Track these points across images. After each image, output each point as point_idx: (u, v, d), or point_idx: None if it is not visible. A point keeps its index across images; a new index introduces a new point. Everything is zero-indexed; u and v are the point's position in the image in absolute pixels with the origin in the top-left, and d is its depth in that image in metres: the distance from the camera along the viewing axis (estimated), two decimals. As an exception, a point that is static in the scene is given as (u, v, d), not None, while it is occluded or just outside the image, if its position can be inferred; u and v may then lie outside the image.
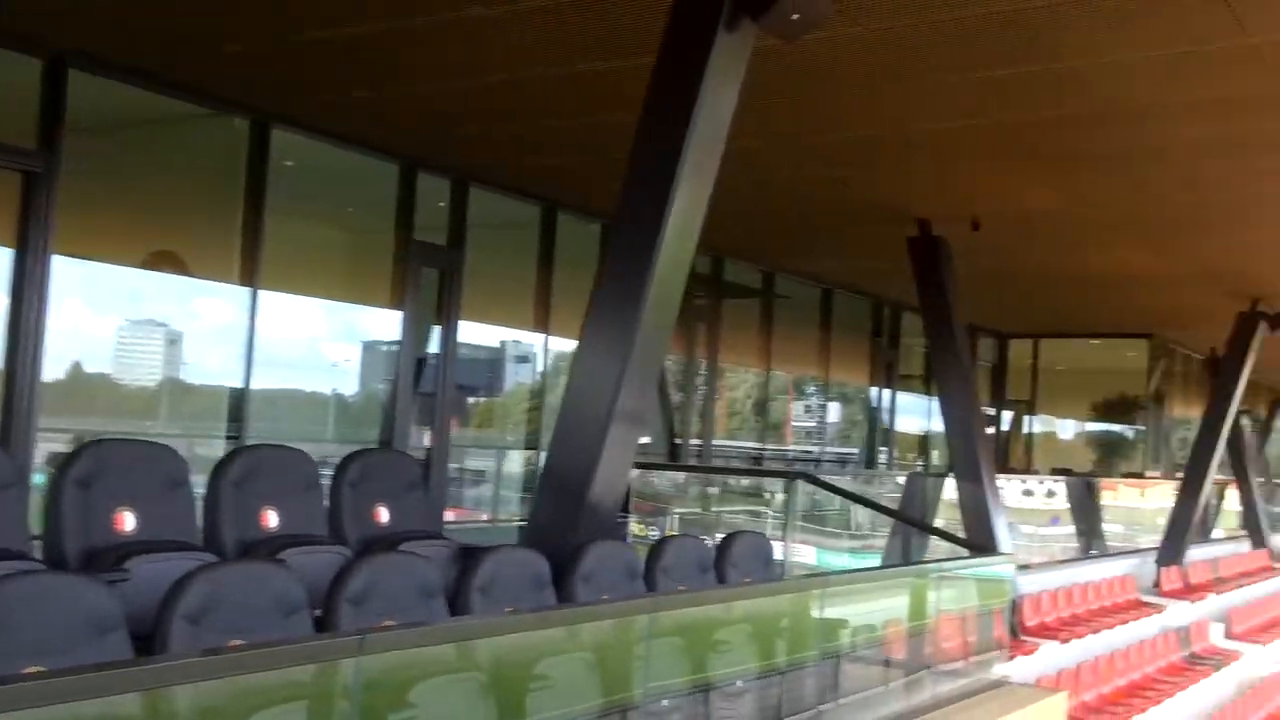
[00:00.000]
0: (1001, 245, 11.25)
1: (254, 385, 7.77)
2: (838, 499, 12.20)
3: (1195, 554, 16.90)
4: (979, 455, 10.27)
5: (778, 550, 7.99)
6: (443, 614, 4.05)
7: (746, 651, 5.42)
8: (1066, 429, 20.16)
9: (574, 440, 5.23)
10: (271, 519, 4.35)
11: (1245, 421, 24.32)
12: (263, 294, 7.84)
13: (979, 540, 10.22)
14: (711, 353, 12.05)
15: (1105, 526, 17.44)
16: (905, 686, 6.00)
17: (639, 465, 7.94)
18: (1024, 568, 12.52)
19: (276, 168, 7.80)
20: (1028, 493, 17.83)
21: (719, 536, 6.67)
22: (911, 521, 10.44)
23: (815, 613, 5.82)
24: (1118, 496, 18.57)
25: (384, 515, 4.87)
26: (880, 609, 6.14)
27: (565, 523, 5.12)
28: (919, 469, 15.67)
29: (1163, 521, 15.43)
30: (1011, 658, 9.56)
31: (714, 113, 5.07)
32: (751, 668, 5.28)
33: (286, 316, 8.65)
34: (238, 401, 7.78)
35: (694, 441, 11.95)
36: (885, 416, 15.41)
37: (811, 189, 9.51)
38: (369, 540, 4.70)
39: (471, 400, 11.34)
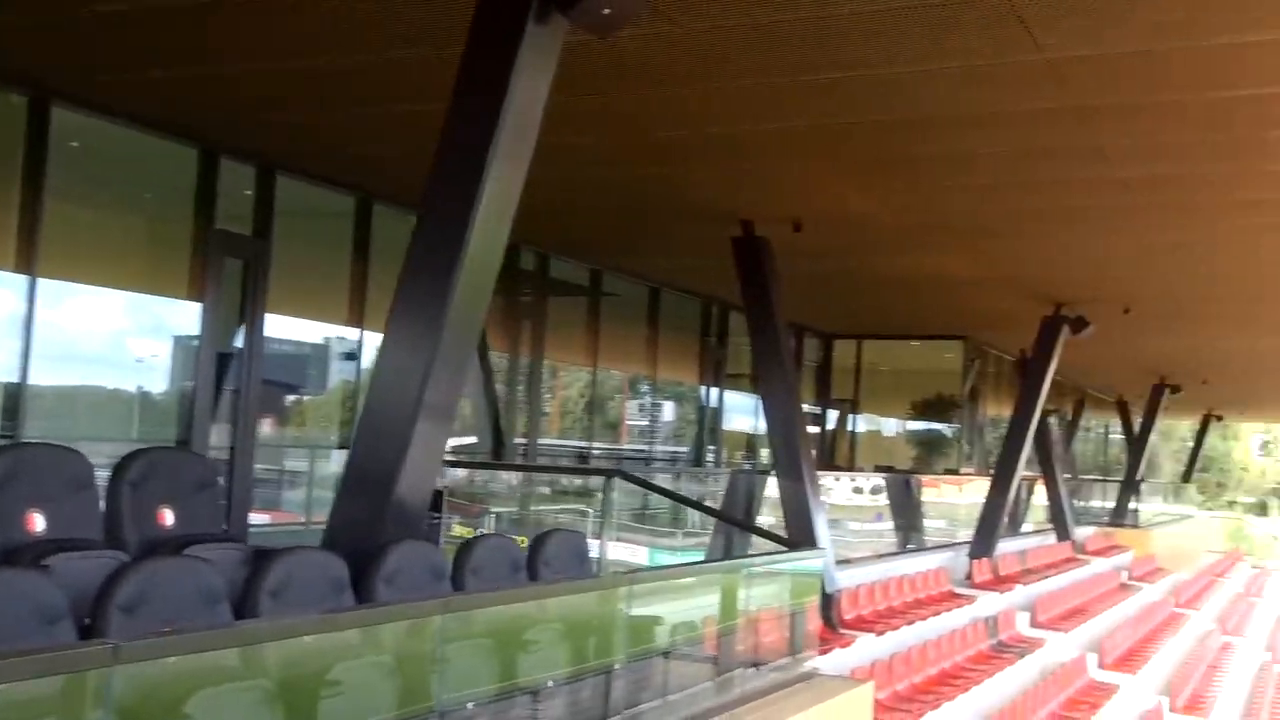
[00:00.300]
0: (823, 247, 11.51)
1: (35, 381, 7.27)
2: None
3: (1006, 547, 17.72)
4: (800, 453, 10.48)
5: (600, 549, 7.95)
6: (227, 620, 3.86)
7: (557, 652, 5.37)
8: (889, 427, 20.84)
9: (379, 436, 5.07)
10: (38, 522, 4.05)
11: (1053, 421, 25.70)
12: (44, 282, 7.34)
13: (800, 537, 10.44)
14: (537, 351, 11.96)
15: (929, 522, 18.11)
16: (716, 682, 6.03)
17: (454, 464, 7.78)
18: (844, 563, 12.87)
19: (60, 148, 7.31)
20: (857, 490, 18.40)
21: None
22: (719, 515, 10.54)
23: (627, 611, 5.81)
24: (942, 493, 19.34)
25: (169, 518, 4.59)
26: (694, 606, 6.17)
27: (368, 522, 4.96)
28: (747, 467, 15.92)
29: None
30: (828, 650, 9.81)
31: (525, 105, 4.99)
32: (562, 668, 5.23)
33: (78, 307, 8.14)
34: (13, 398, 7.25)
35: (520, 440, 11.84)
36: (714, 415, 15.61)
37: (637, 186, 9.54)
38: (151, 544, 4.43)
39: (291, 398, 10.97)
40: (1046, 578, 17.08)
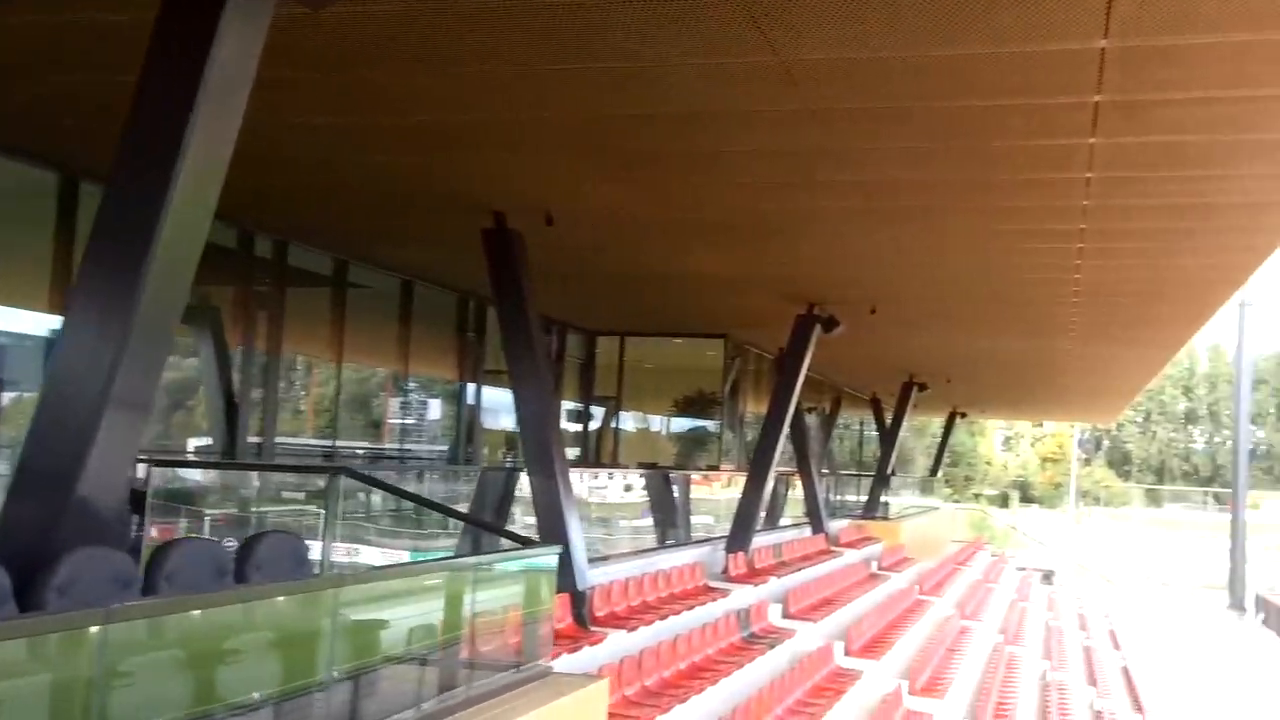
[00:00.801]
0: (580, 241, 11.45)
1: None
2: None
3: (763, 540, 18.23)
4: (553, 450, 10.37)
5: (324, 552, 7.58)
6: None
7: (265, 662, 5.03)
8: (653, 424, 21.09)
9: (56, 431, 4.61)
10: None
11: (813, 418, 26.71)
12: None
13: (551, 535, 10.33)
14: (274, 344, 11.34)
15: (696, 518, 18.39)
16: (441, 686, 5.82)
17: (157, 463, 7.22)
18: (600, 560, 12.87)
19: None
20: (629, 487, 18.49)
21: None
22: (454, 515, 10.28)
23: (347, 616, 5.51)
24: (714, 490, 19.71)
25: None
26: (422, 610, 5.94)
27: (41, 526, 4.50)
28: (509, 465, 15.73)
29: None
30: (578, 648, 9.74)
31: (229, 74, 4.65)
32: (272, 681, 4.90)
33: None
34: None
35: (255, 439, 11.20)
36: (474, 413, 15.32)
37: (383, 173, 9.18)
38: None
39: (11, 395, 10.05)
40: (800, 570, 17.66)
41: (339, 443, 13.01)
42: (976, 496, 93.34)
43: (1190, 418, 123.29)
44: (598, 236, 11.37)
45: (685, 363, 19.47)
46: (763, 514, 18.33)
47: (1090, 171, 8.63)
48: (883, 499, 28.45)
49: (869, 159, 8.63)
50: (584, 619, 10.45)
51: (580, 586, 10.41)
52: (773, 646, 13.15)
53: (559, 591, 10.40)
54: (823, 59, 6.54)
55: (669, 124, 7.86)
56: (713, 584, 14.48)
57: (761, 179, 9.29)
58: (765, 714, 11.22)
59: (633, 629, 11.02)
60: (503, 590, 6.42)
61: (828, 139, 8.09)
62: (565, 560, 10.44)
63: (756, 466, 16.11)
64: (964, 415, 38.40)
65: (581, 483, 16.50)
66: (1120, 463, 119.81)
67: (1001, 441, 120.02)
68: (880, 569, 22.86)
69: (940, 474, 44.30)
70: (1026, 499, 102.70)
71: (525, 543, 7.41)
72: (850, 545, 22.82)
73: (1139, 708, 23.92)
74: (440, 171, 9.13)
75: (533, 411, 10.45)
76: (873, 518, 27.22)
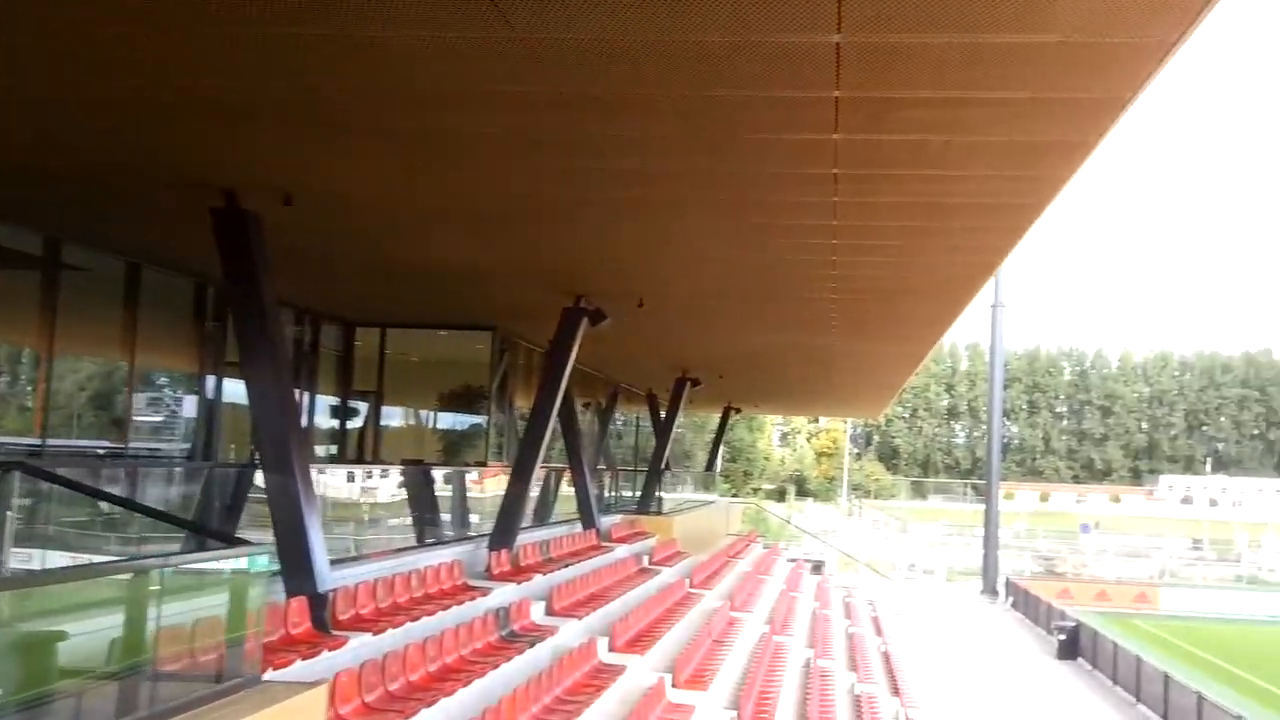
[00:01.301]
0: (328, 226, 10.87)
1: None
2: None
3: (532, 537, 17.96)
4: (291, 446, 9.76)
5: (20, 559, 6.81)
6: None
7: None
8: (416, 419, 20.51)
9: None
10: None
11: (589, 413, 26.68)
12: None
13: (290, 536, 9.74)
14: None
15: (473, 516, 17.88)
16: (123, 703, 5.26)
17: None
18: (346, 560, 12.28)
19: None
20: (402, 485, 17.83)
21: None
22: (151, 513, 9.48)
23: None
24: (484, 488, 19.25)
25: None
26: (102, 622, 5.35)
27: None
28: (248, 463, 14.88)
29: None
30: (314, 654, 9.19)
31: None
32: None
33: None
34: None
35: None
36: (215, 407, 14.38)
37: (96, 144, 8.39)
38: None
39: None
40: (567, 566, 17.47)
41: (51, 441, 11.89)
42: (755, 491, 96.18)
43: (953, 413, 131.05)
44: (346, 221, 10.81)
45: (451, 355, 18.98)
46: (531, 510, 18.07)
47: (837, 167, 8.75)
48: (657, 494, 28.69)
49: (619, 148, 8.46)
50: (324, 623, 9.89)
51: (320, 589, 9.84)
52: (532, 645, 12.88)
53: (299, 594, 9.84)
54: (565, 39, 6.29)
55: (407, 102, 7.46)
56: (473, 583, 14.09)
57: (510, 165, 9.00)
58: (521, 713, 10.92)
59: (379, 631, 10.53)
60: (203, 595, 5.88)
61: (574, 125, 7.87)
62: (306, 562, 9.88)
63: (521, 462, 15.82)
64: (739, 411, 39.32)
65: (352, 482, 15.84)
66: (889, 457, 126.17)
67: (779, 437, 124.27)
68: (651, 564, 22.97)
69: (719, 469, 45.27)
70: (803, 493, 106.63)
71: (232, 543, 6.84)
72: (622, 540, 22.83)
73: (896, 690, 24.98)
74: (164, 143, 8.41)
75: (268, 405, 9.80)
76: (646, 512, 27.38)
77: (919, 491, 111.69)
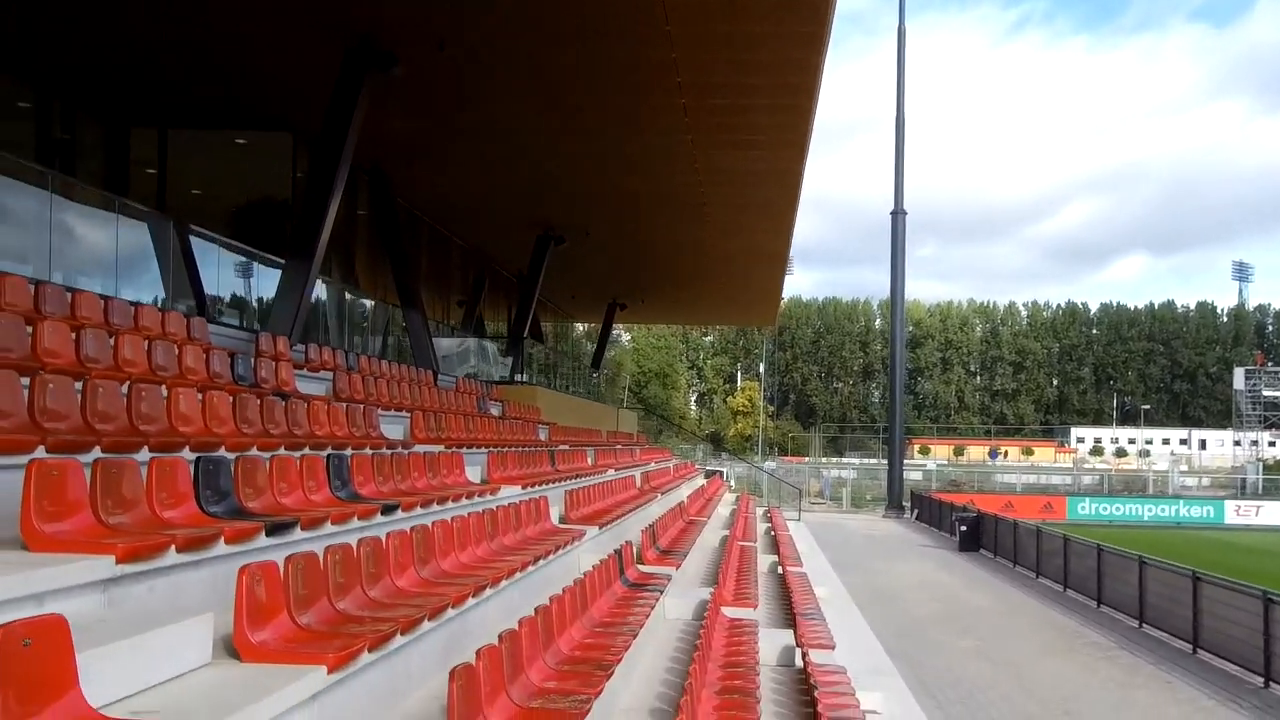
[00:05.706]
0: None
1: None
2: None
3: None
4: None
5: None
6: None
7: None
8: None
9: None
10: None
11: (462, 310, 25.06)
12: None
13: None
14: None
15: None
16: None
17: None
18: None
19: None
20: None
21: None
22: None
23: None
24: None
25: None
26: None
27: None
28: None
29: None
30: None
31: None
32: None
33: None
34: None
35: None
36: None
37: None
38: None
39: None
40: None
41: None
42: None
43: (867, 373, 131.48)
44: None
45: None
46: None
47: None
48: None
49: None
50: None
51: None
52: None
53: None
54: None
55: None
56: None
57: None
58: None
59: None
60: None
61: None
62: None
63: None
64: (624, 307, 37.82)
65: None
66: (806, 415, 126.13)
67: (696, 398, 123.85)
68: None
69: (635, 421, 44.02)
70: (720, 450, 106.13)
71: None
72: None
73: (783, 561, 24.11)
74: None
75: None
76: (509, 383, 26.15)
77: (835, 448, 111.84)
